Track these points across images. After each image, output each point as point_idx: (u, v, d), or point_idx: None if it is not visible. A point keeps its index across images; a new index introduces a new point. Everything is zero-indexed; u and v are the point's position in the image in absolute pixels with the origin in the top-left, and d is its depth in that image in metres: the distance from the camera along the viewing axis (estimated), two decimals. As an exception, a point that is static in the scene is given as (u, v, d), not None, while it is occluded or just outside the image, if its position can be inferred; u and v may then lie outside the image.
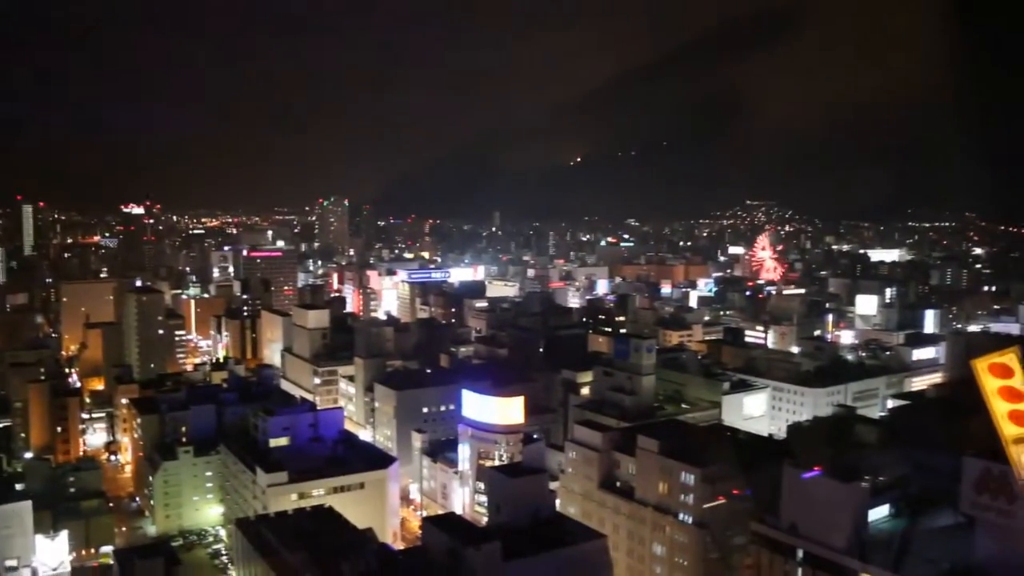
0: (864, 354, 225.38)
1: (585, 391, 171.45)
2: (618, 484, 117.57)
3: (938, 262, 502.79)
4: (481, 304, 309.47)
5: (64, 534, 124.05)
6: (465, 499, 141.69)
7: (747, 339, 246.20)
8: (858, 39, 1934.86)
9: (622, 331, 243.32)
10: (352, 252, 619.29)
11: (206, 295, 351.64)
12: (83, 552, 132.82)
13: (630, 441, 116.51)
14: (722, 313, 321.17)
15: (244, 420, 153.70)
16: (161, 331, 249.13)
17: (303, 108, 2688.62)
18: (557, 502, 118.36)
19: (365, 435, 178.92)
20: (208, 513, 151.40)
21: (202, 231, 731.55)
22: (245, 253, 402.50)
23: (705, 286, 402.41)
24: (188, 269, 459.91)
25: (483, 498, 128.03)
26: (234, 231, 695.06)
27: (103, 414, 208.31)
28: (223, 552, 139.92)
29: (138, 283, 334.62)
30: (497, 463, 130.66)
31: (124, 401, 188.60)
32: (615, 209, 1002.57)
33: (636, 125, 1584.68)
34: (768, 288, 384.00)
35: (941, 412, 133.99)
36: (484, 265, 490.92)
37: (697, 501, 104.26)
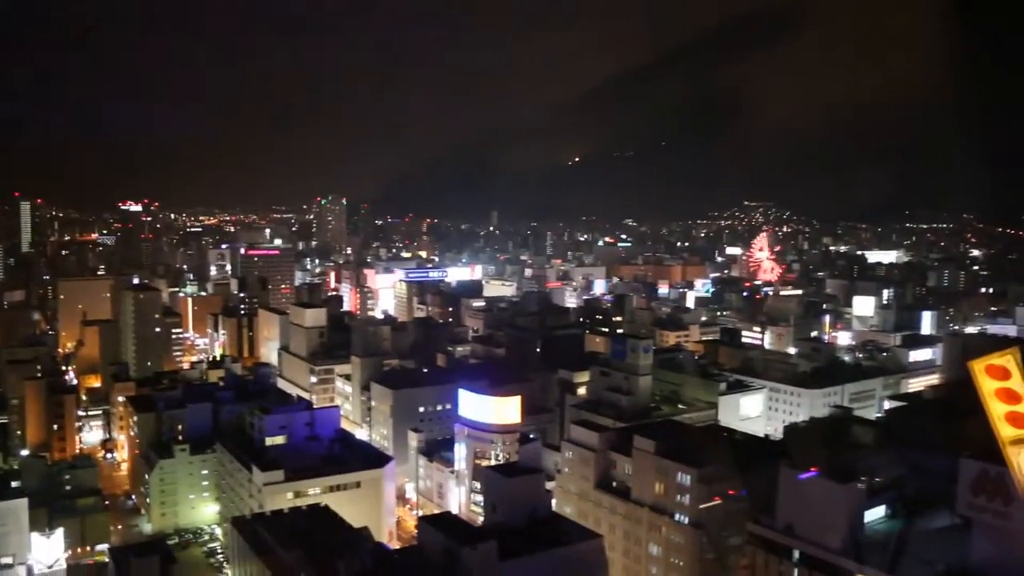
0: (861, 355, 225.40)
1: (582, 391, 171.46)
2: (614, 484, 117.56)
3: (935, 264, 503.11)
4: (478, 304, 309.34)
5: (60, 532, 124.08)
6: (461, 498, 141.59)
7: (744, 340, 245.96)
8: (856, 40, 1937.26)
9: (619, 331, 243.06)
10: (349, 251, 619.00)
11: (203, 293, 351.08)
12: (79, 550, 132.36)
13: (626, 441, 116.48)
14: (719, 314, 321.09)
15: (240, 418, 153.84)
16: (158, 329, 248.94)
17: (302, 107, 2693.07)
18: (553, 502, 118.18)
19: (361, 434, 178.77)
20: (204, 511, 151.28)
21: (200, 229, 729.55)
22: (243, 251, 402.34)
23: (702, 286, 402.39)
24: (185, 267, 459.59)
25: (479, 497, 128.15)
26: (232, 229, 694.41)
27: (99, 412, 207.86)
28: (219, 551, 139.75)
29: (135, 281, 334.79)
30: (493, 463, 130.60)
31: (120, 399, 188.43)
32: (613, 209, 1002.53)
33: (634, 125, 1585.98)
34: (765, 289, 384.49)
35: (938, 413, 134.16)
36: (481, 264, 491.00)
37: (693, 501, 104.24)
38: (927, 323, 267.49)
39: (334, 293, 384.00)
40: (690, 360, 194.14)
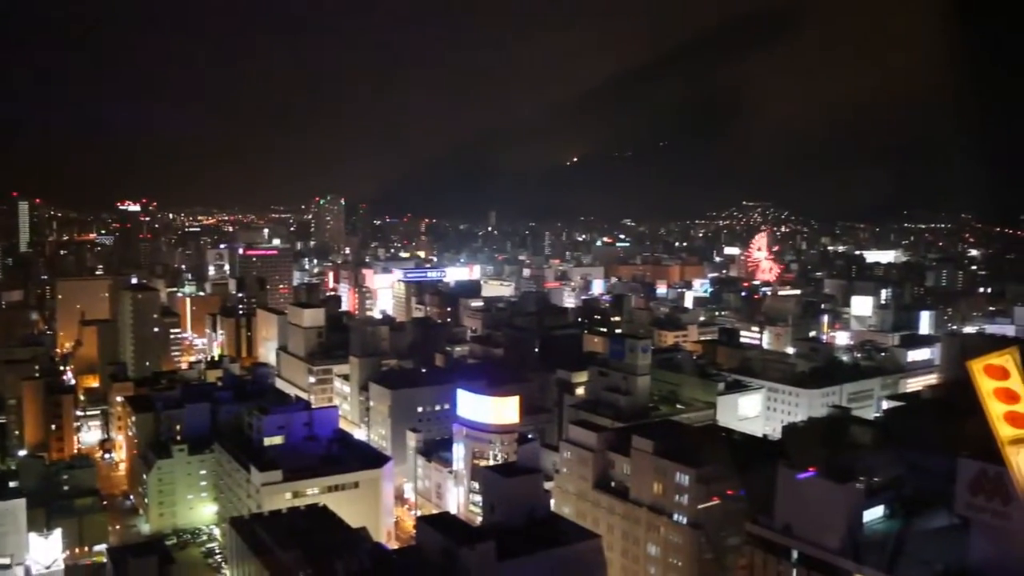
0: (859, 355, 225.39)
1: (580, 391, 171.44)
2: (613, 484, 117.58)
3: (934, 263, 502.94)
4: (477, 304, 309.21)
5: (58, 532, 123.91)
6: (460, 499, 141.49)
7: (742, 340, 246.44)
8: (855, 40, 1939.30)
9: (617, 331, 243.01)
10: (348, 251, 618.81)
11: (202, 293, 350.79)
12: (76, 550, 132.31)
13: (625, 441, 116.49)
14: (717, 314, 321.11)
15: (239, 418, 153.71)
16: (156, 329, 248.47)
17: (301, 107, 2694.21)
18: (552, 502, 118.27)
19: (360, 434, 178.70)
20: (202, 512, 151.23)
21: (198, 229, 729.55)
22: (241, 251, 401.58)
23: (701, 287, 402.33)
24: (184, 267, 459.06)
25: (478, 498, 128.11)
26: (230, 229, 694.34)
27: (98, 412, 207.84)
28: (217, 551, 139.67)
29: (134, 281, 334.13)
30: (492, 463, 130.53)
31: (119, 399, 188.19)
32: (611, 209, 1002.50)
33: (633, 125, 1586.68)
34: (763, 289, 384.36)
35: (936, 413, 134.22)
36: (480, 265, 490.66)
37: (692, 501, 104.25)
38: (925, 323, 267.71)
39: (332, 293, 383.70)
40: (688, 360, 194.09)
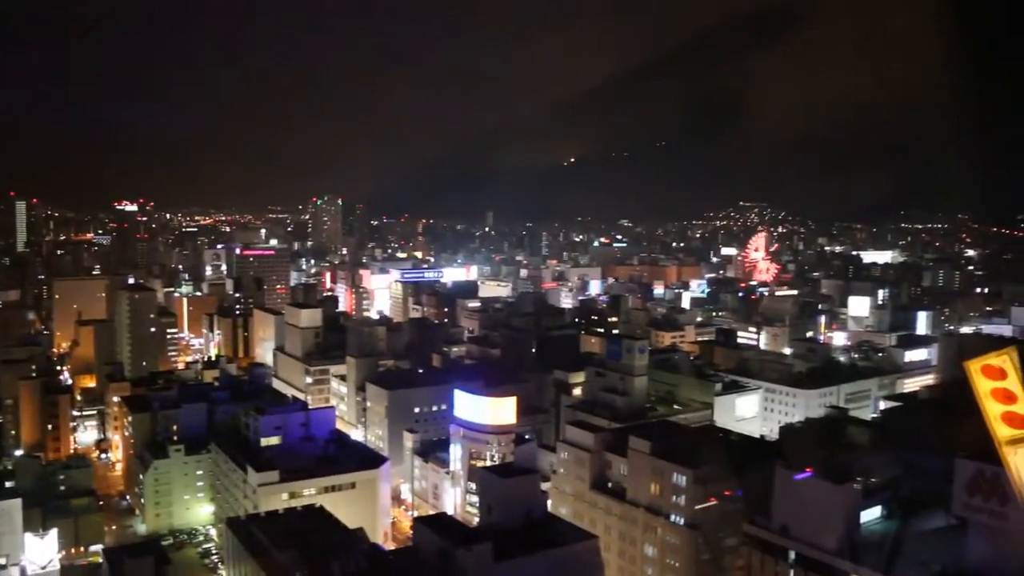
0: (856, 355, 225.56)
1: (577, 392, 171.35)
2: (610, 485, 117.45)
3: (930, 264, 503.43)
4: (474, 304, 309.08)
5: (54, 532, 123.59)
6: (456, 499, 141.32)
7: (739, 340, 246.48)
8: (852, 41, 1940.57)
9: (614, 332, 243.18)
10: (345, 251, 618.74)
11: (199, 293, 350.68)
12: (72, 551, 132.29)
13: (622, 442, 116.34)
14: (714, 314, 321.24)
15: (235, 419, 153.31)
16: (153, 329, 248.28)
17: (299, 108, 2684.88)
18: (549, 503, 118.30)
19: (356, 435, 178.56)
20: (198, 512, 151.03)
21: (195, 229, 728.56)
22: (238, 251, 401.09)
23: (698, 287, 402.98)
24: (181, 267, 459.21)
25: (474, 498, 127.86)
26: (227, 229, 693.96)
27: (94, 412, 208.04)
28: (213, 551, 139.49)
29: (131, 281, 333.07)
30: (489, 463, 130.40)
31: (115, 399, 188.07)
32: (608, 210, 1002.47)
33: (630, 126, 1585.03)
34: (761, 289, 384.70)
35: (933, 414, 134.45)
36: (477, 265, 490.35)
37: (689, 502, 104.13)
38: (922, 323, 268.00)
39: (329, 293, 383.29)
40: (686, 361, 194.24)
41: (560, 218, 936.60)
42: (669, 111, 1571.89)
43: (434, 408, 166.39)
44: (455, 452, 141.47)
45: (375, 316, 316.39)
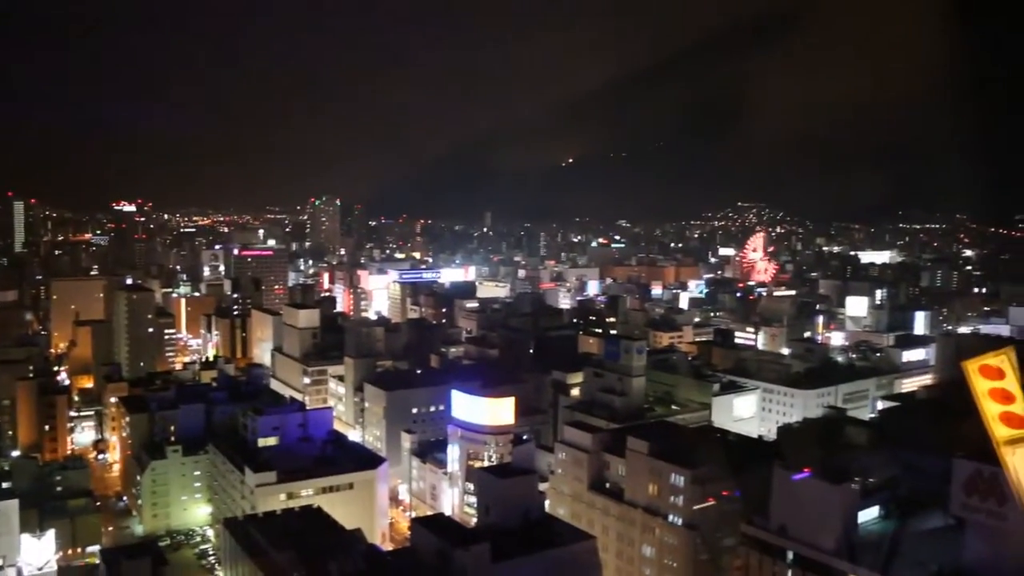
0: (854, 355, 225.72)
1: (575, 392, 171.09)
2: (608, 485, 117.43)
3: (928, 264, 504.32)
4: (472, 305, 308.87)
5: (51, 533, 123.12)
6: (454, 500, 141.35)
7: (737, 340, 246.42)
8: (850, 41, 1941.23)
9: (612, 332, 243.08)
10: (343, 252, 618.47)
11: (196, 294, 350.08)
12: (69, 552, 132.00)
13: (620, 442, 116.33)
14: (712, 314, 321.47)
15: (233, 419, 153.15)
16: (151, 329, 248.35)
17: (298, 108, 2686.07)
18: (547, 503, 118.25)
19: (354, 435, 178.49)
20: (196, 513, 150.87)
21: (193, 229, 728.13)
22: (236, 252, 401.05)
23: (696, 287, 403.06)
24: (179, 267, 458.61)
25: (472, 499, 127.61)
26: (225, 230, 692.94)
27: (91, 412, 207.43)
28: (211, 552, 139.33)
29: (128, 281, 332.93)
30: (487, 464, 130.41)
31: (113, 399, 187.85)
32: (606, 210, 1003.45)
33: (629, 126, 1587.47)
34: (759, 289, 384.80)
35: (931, 414, 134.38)
36: (475, 265, 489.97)
37: (687, 502, 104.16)
38: (920, 323, 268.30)
39: (327, 294, 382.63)
40: (683, 361, 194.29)
41: (558, 218, 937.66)
42: (667, 111, 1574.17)
43: (432, 409, 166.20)
44: (453, 453, 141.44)
45: (373, 316, 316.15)
